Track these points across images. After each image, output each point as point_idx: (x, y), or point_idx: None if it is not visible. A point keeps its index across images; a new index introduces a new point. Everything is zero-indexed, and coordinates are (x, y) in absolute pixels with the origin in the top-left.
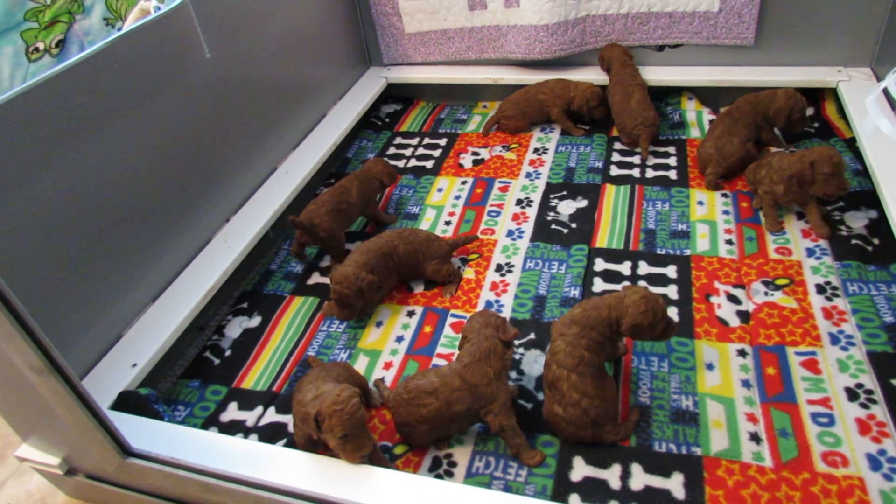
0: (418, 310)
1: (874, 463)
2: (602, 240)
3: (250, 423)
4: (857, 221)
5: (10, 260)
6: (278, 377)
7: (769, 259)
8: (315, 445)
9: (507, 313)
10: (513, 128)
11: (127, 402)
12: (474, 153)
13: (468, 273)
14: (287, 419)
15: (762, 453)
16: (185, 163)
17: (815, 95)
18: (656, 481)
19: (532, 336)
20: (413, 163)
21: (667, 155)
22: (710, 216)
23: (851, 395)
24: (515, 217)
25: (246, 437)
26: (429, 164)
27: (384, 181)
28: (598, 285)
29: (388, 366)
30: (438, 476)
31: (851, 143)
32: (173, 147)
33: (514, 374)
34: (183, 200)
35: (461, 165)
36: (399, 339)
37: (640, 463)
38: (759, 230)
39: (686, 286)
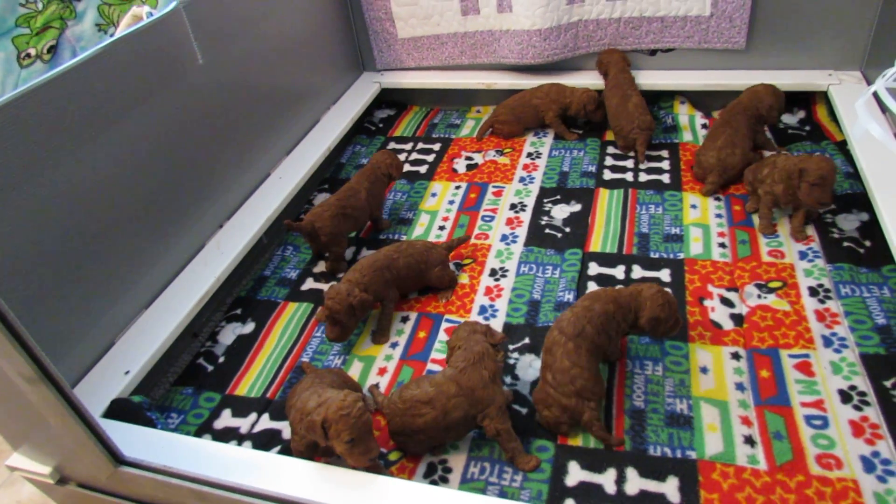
0: (412, 315)
1: (868, 465)
2: (596, 244)
3: (244, 430)
4: (848, 224)
5: (1, 267)
6: (272, 384)
7: (762, 262)
8: (314, 453)
9: (501, 318)
10: (507, 133)
11: (119, 409)
12: (468, 158)
13: (462, 278)
14: (281, 426)
15: (756, 456)
16: (178, 169)
17: (806, 99)
18: (651, 485)
19: (527, 341)
20: (407, 168)
21: (660, 159)
22: (703, 219)
23: (845, 397)
24: (509, 222)
25: (240, 444)
26: (422, 170)
27: (393, 174)
28: (593, 289)
29: (382, 371)
30: (433, 482)
31: (842, 146)
32: (166, 153)
33: (508, 379)
34: (176, 206)
35: (455, 170)
36: (393, 345)
37: (635, 467)
38: (751, 233)
39: (680, 289)
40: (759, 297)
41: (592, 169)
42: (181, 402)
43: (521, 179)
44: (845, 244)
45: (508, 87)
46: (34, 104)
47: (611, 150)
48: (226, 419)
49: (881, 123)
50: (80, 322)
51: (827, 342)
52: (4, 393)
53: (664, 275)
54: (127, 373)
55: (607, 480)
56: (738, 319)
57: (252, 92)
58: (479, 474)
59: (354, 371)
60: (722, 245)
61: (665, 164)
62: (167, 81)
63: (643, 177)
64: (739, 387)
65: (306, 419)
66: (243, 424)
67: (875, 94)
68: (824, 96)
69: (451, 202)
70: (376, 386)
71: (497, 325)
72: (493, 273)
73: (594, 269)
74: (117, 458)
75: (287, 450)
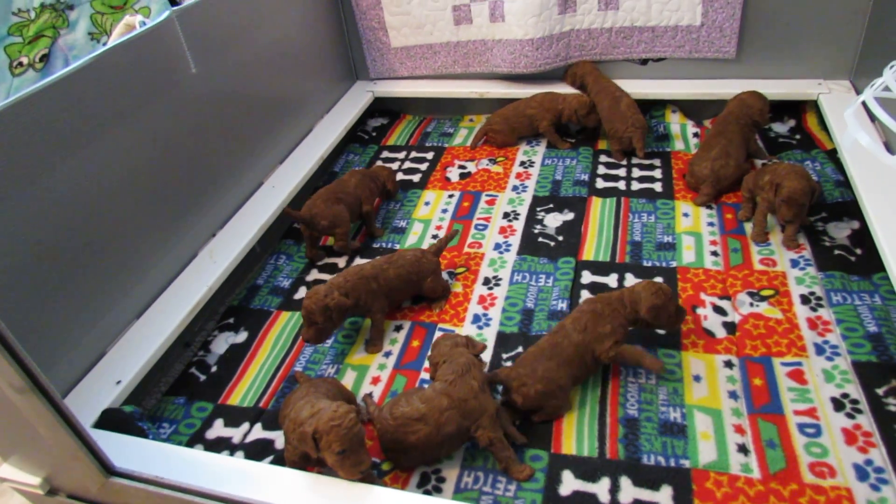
0: (406, 324)
1: (861, 473)
2: (589, 252)
3: (237, 439)
4: (839, 232)
5: None
6: (265, 393)
7: (754, 270)
8: (307, 463)
9: (494, 327)
10: (500, 142)
11: (111, 419)
12: (461, 167)
13: (456, 287)
14: (274, 435)
15: (750, 465)
16: (171, 178)
17: (796, 108)
18: (645, 494)
19: (520, 349)
20: (400, 176)
21: (652, 167)
22: (695, 228)
23: (837, 405)
24: (502, 230)
25: (232, 454)
26: (416, 178)
27: (388, 186)
28: (586, 298)
29: (375, 381)
30: (427, 492)
31: (832, 155)
32: (158, 162)
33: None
34: (168, 215)
35: (448, 179)
36: (387, 354)
37: (629, 476)
38: (743, 241)
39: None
40: (752, 305)
41: (585, 177)
42: (173, 411)
43: (514, 188)
44: (836, 252)
45: (501, 96)
46: (25, 113)
47: (603, 158)
48: (218, 429)
49: (870, 132)
50: (71, 332)
51: (819, 350)
52: None
53: None
54: (118, 382)
55: (601, 490)
56: (730, 328)
57: (245, 101)
58: (473, 484)
59: (348, 380)
60: (714, 253)
61: (657, 173)
62: (160, 90)
63: (635, 185)
64: (732, 395)
65: (298, 430)
66: (236, 434)
67: (864, 104)
68: (814, 105)
69: (445, 211)
70: (370, 395)
71: (490, 333)
72: (486, 282)
73: (587, 277)
74: (108, 469)
75: (280, 460)
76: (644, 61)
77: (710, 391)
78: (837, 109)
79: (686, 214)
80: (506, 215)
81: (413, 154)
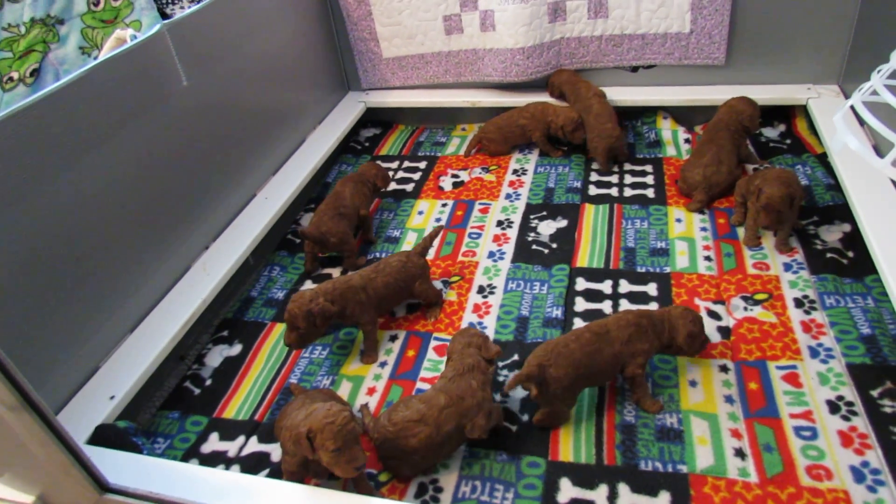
0: (401, 334)
1: (857, 475)
2: (583, 259)
3: (232, 453)
4: (831, 235)
5: None
6: (260, 406)
7: (747, 274)
8: (305, 474)
9: (490, 335)
10: (493, 151)
11: (104, 435)
12: (454, 176)
13: (451, 295)
14: (270, 448)
15: (747, 469)
16: (163, 191)
17: (786, 112)
18: (643, 501)
19: (515, 357)
20: (393, 186)
21: (644, 174)
22: (688, 233)
23: (833, 407)
24: (496, 238)
25: (228, 468)
26: (409, 188)
27: (378, 185)
28: (580, 305)
29: (371, 391)
30: (425, 502)
31: (823, 158)
32: (150, 176)
33: (497, 396)
34: (161, 229)
35: (441, 188)
36: (382, 364)
37: (626, 483)
38: (736, 246)
39: (667, 303)
40: (746, 309)
41: (578, 184)
42: (168, 426)
43: (508, 196)
44: (829, 255)
45: (493, 105)
46: (16, 128)
47: (595, 165)
48: (213, 443)
49: (859, 136)
50: (63, 347)
51: (813, 353)
52: None
53: (651, 289)
54: (112, 398)
55: (599, 496)
56: (725, 332)
57: (237, 113)
58: (471, 493)
59: (343, 391)
60: (707, 258)
61: (649, 179)
62: (151, 104)
63: (628, 192)
64: (728, 399)
65: (293, 433)
66: (231, 448)
67: (852, 108)
68: (804, 110)
69: (438, 220)
70: (366, 406)
71: None
72: (480, 290)
73: (581, 284)
74: (102, 486)
75: (276, 473)
76: (635, 68)
77: (706, 396)
78: (827, 113)
79: (679, 220)
80: (499, 223)
81: (406, 164)
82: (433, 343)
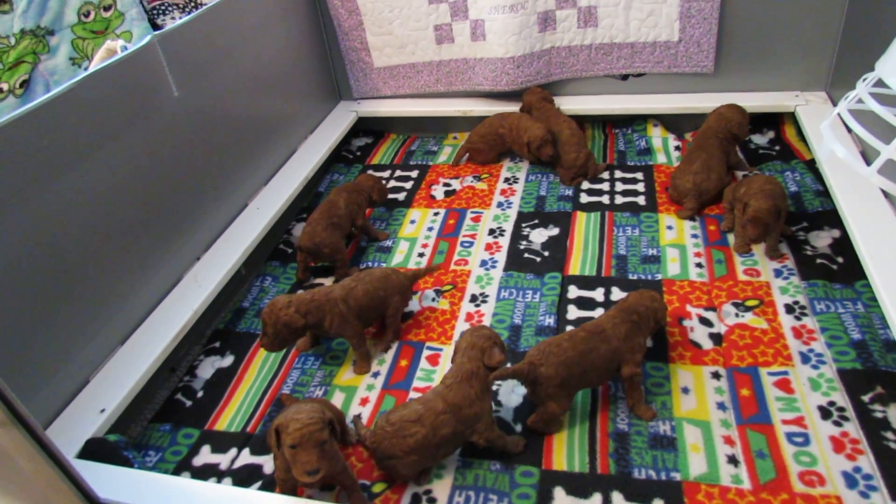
0: (393, 344)
1: (850, 480)
2: (575, 267)
3: (224, 466)
4: (821, 241)
5: None
6: (252, 417)
7: (738, 281)
8: (297, 483)
9: None
10: (481, 160)
11: (94, 449)
12: (446, 184)
13: (443, 304)
14: (262, 460)
15: (740, 475)
16: (154, 202)
17: (775, 119)
18: None
19: (508, 366)
20: None
21: (635, 181)
22: (679, 240)
23: (824, 413)
24: (488, 247)
25: (219, 480)
26: (401, 197)
27: (374, 197)
28: (573, 313)
29: (364, 401)
30: None
31: (812, 165)
32: (141, 186)
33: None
34: (152, 239)
35: (433, 197)
36: (375, 375)
37: (620, 491)
38: (727, 252)
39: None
40: (737, 315)
41: (569, 192)
42: (159, 439)
43: (499, 204)
44: (819, 261)
45: (484, 114)
46: (5, 140)
47: None
48: (205, 455)
49: (846, 143)
50: (52, 360)
51: (805, 359)
52: None
53: None
54: (102, 411)
55: None
56: (717, 339)
57: (228, 123)
58: (465, 503)
59: (336, 402)
60: (699, 265)
61: (640, 187)
62: (142, 114)
63: (619, 199)
64: (721, 406)
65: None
66: (223, 460)
67: (839, 116)
68: (792, 117)
69: (430, 229)
70: (359, 417)
71: None
72: (473, 299)
73: (574, 292)
74: (93, 501)
75: (268, 485)
76: (625, 77)
77: (699, 403)
78: (815, 120)
79: (670, 227)
80: (491, 232)
81: (398, 173)
82: (426, 352)
